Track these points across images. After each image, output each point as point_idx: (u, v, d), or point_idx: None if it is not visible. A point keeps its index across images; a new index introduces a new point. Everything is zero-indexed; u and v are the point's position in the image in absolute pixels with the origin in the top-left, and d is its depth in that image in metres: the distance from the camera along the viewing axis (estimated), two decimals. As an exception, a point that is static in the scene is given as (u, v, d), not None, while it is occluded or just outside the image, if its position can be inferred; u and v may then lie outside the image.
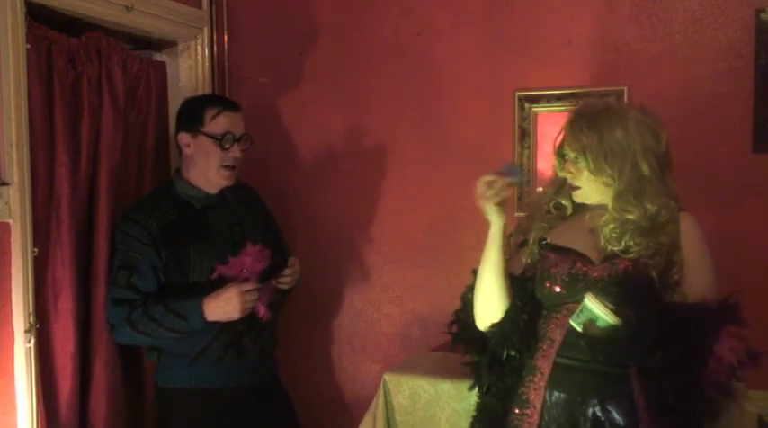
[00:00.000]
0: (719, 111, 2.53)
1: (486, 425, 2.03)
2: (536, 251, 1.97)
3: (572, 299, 1.83)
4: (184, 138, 2.39)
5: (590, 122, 1.85)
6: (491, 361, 2.00)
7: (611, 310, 1.70)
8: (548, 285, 1.90)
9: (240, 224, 2.46)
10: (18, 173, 2.14)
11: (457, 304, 2.10)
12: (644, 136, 1.84)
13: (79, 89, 2.41)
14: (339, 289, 3.05)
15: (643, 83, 2.57)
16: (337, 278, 3.04)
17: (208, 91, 2.98)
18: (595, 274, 1.84)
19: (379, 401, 2.49)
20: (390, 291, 2.98)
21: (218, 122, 2.36)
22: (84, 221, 2.43)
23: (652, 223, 1.84)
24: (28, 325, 2.18)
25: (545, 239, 1.97)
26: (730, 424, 1.94)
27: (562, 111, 2.57)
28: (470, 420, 2.09)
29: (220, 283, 2.28)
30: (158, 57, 2.93)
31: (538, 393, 1.87)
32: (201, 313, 2.25)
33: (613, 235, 1.84)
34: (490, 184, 1.85)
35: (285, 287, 2.41)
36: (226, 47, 3.08)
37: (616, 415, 1.78)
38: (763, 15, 2.46)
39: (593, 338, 1.76)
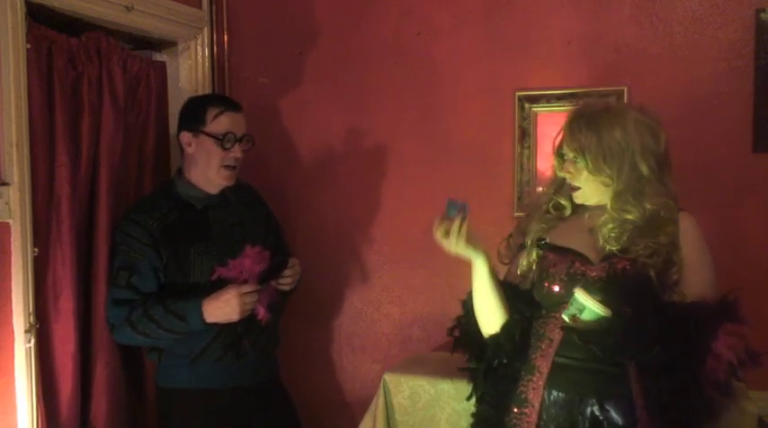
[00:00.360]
0: (719, 111, 2.52)
1: None
2: (534, 251, 1.97)
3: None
4: (186, 137, 2.40)
5: (589, 122, 1.86)
6: (486, 369, 2.01)
7: (600, 302, 1.70)
8: (546, 285, 1.91)
9: (241, 224, 2.46)
10: (18, 173, 2.14)
11: (457, 304, 2.10)
12: (643, 136, 1.84)
13: (79, 89, 2.41)
14: (339, 289, 3.05)
15: (643, 83, 2.57)
16: (337, 278, 3.04)
17: (208, 91, 2.98)
18: (594, 274, 1.84)
19: (379, 401, 2.49)
20: (390, 291, 2.98)
21: (220, 122, 2.36)
22: (84, 221, 2.43)
23: (651, 223, 1.84)
24: (28, 325, 2.18)
25: (544, 239, 1.97)
26: (730, 424, 1.94)
27: (562, 111, 2.57)
28: (468, 426, 2.10)
29: (220, 284, 2.28)
30: (158, 57, 2.93)
31: (536, 392, 1.87)
32: (201, 314, 2.25)
33: (612, 234, 1.84)
34: (446, 233, 1.87)
35: (286, 288, 2.41)
36: (226, 47, 3.08)
37: (614, 415, 1.78)
38: (763, 15, 2.46)
39: (586, 332, 1.75)
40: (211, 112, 2.36)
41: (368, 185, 2.98)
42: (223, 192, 2.45)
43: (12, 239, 2.15)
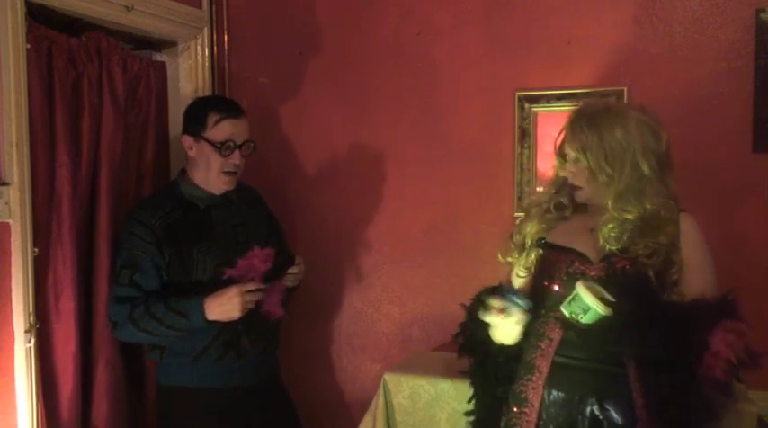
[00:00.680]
0: (719, 111, 2.52)
1: None
2: (534, 251, 1.98)
3: (557, 308, 1.83)
4: (188, 140, 2.40)
5: (590, 122, 1.86)
6: (488, 371, 2.02)
7: (602, 299, 1.70)
8: (546, 284, 1.91)
9: (243, 225, 2.47)
10: (18, 173, 2.14)
11: (457, 304, 2.10)
12: (644, 135, 1.85)
13: (79, 89, 2.41)
14: (339, 289, 3.05)
15: (643, 83, 2.57)
16: (337, 278, 3.04)
17: (208, 91, 2.98)
18: (593, 273, 1.84)
19: (379, 401, 2.49)
20: (390, 291, 2.98)
21: (220, 129, 2.36)
22: (84, 221, 2.43)
23: (651, 223, 1.84)
24: (28, 325, 2.18)
25: (544, 239, 1.97)
26: (730, 424, 1.94)
27: (562, 111, 2.57)
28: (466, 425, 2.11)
29: (222, 283, 2.28)
30: (158, 57, 2.93)
31: (536, 392, 1.87)
32: (202, 312, 2.25)
33: (612, 234, 1.84)
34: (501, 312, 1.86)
35: (290, 284, 2.41)
36: (226, 47, 3.08)
37: (614, 414, 1.79)
38: (763, 15, 2.46)
39: (585, 329, 1.75)
40: (212, 118, 2.36)
41: (368, 185, 2.98)
42: (226, 193, 2.45)
43: (12, 239, 2.15)
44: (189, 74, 2.95)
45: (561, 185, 2.00)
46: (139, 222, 2.33)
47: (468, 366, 2.10)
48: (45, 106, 2.28)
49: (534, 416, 1.87)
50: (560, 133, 1.96)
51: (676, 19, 2.57)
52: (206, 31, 2.99)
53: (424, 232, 2.91)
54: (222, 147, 2.35)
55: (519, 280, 2.03)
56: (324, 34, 3.00)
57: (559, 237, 1.96)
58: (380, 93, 2.94)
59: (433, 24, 2.85)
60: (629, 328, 1.72)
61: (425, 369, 2.55)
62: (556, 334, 1.87)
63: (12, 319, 2.16)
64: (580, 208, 2.00)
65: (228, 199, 2.46)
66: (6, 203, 2.12)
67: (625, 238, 1.83)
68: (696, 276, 1.83)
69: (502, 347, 1.97)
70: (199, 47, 2.97)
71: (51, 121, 2.30)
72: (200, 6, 2.97)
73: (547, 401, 1.86)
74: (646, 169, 1.84)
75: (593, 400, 1.81)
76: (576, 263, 1.88)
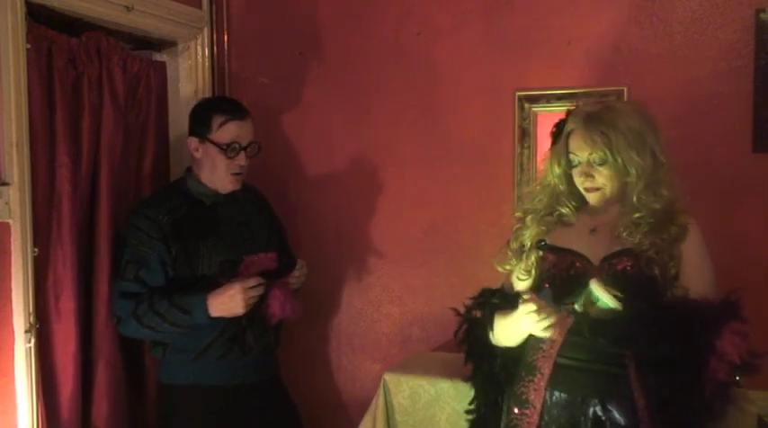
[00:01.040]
0: (719, 111, 2.52)
1: None
2: (534, 254, 1.97)
3: (570, 300, 1.82)
4: (193, 142, 2.41)
5: (603, 120, 1.85)
6: (491, 374, 2.02)
7: (614, 296, 1.70)
8: (546, 286, 1.90)
9: (248, 223, 2.49)
10: (18, 173, 2.14)
11: (457, 304, 2.10)
12: (650, 124, 1.87)
13: (79, 89, 2.41)
14: (339, 290, 3.05)
15: (643, 83, 2.57)
16: (337, 278, 3.04)
17: (208, 91, 2.98)
18: (595, 274, 1.84)
19: (379, 401, 2.49)
20: (390, 291, 2.98)
21: (225, 131, 2.36)
22: (84, 221, 2.44)
23: (665, 216, 1.83)
24: (28, 325, 2.18)
25: (543, 241, 1.96)
26: (730, 425, 1.94)
27: (562, 111, 2.56)
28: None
29: (226, 280, 2.30)
30: (158, 57, 2.93)
31: (538, 393, 1.87)
32: (205, 308, 2.26)
33: (630, 229, 1.83)
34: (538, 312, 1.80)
35: (294, 288, 2.43)
36: (226, 47, 3.08)
37: (617, 415, 1.78)
38: (763, 15, 2.46)
39: (595, 324, 1.74)
40: (217, 120, 2.37)
41: (368, 185, 2.98)
42: (232, 191, 2.46)
43: (12, 239, 2.15)
44: (189, 74, 2.95)
45: (559, 194, 1.98)
46: (147, 217, 2.34)
47: (468, 369, 2.10)
48: (45, 106, 2.28)
49: (536, 418, 1.86)
50: (556, 139, 1.96)
51: (676, 19, 2.57)
52: (206, 31, 2.99)
53: (424, 232, 2.91)
54: (228, 149, 2.36)
55: (519, 283, 2.02)
56: (324, 34, 3.00)
57: (559, 239, 1.95)
58: (380, 93, 2.93)
59: (433, 24, 2.85)
60: (634, 328, 1.72)
61: (425, 369, 2.55)
62: (557, 336, 1.86)
63: (12, 319, 2.16)
64: (580, 209, 1.99)
65: (234, 197, 2.48)
66: (6, 203, 2.12)
67: (646, 230, 1.82)
68: (698, 277, 1.83)
69: (503, 348, 1.97)
70: (199, 47, 2.97)
71: (51, 121, 2.30)
72: (200, 6, 2.97)
73: (549, 402, 1.86)
74: (663, 158, 1.85)
75: (596, 401, 1.81)
76: (577, 265, 1.88)
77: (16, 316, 2.16)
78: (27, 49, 2.18)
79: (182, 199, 2.41)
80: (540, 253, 1.95)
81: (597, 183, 1.89)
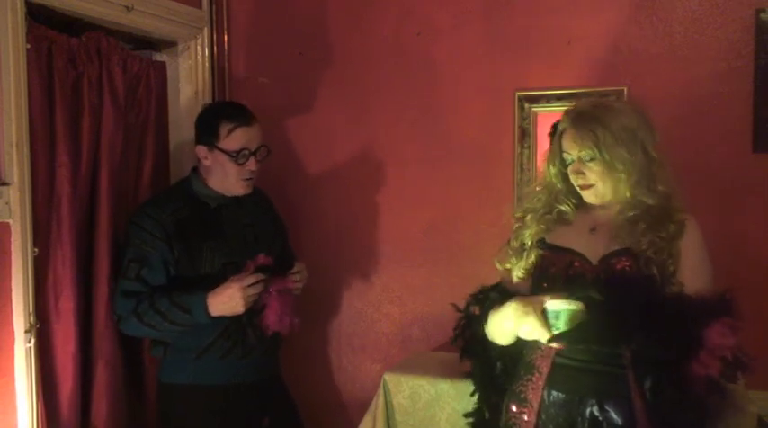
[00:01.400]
0: (719, 111, 2.52)
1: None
2: (534, 253, 1.97)
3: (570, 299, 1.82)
4: (202, 151, 2.40)
5: (591, 117, 1.86)
6: (491, 372, 2.03)
7: (567, 298, 1.71)
8: (545, 285, 1.90)
9: (252, 225, 2.49)
10: (18, 173, 2.14)
11: (457, 304, 2.10)
12: (643, 121, 1.87)
13: (79, 89, 2.41)
14: (339, 289, 3.05)
15: (643, 83, 2.57)
16: (337, 278, 3.04)
17: (208, 91, 2.98)
18: (592, 274, 1.84)
19: (379, 401, 2.49)
20: (390, 291, 2.98)
21: (233, 138, 2.36)
22: (84, 221, 2.43)
23: (661, 214, 1.83)
24: (28, 325, 2.18)
25: (543, 240, 1.97)
26: (730, 425, 1.93)
27: (562, 111, 2.56)
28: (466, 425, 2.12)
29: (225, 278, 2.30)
30: (158, 57, 2.93)
31: (536, 392, 1.87)
32: (205, 307, 2.26)
33: (627, 228, 1.84)
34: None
35: (296, 292, 2.43)
36: (226, 47, 3.08)
37: (614, 415, 1.78)
38: (763, 15, 2.46)
39: (571, 334, 1.73)
40: (225, 128, 2.36)
41: (368, 185, 2.98)
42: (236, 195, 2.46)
43: (12, 239, 2.15)
44: (189, 74, 2.95)
45: (557, 192, 1.98)
46: (151, 217, 2.34)
47: (468, 367, 2.10)
48: (45, 106, 2.28)
49: (533, 417, 1.86)
50: (552, 139, 1.96)
51: (676, 19, 2.57)
52: (206, 31, 2.99)
53: (424, 232, 2.91)
54: (238, 156, 2.36)
55: (518, 281, 2.02)
56: (324, 34, 3.00)
57: (559, 238, 1.95)
58: (380, 93, 2.94)
59: (433, 24, 2.85)
60: (626, 326, 1.72)
61: (425, 369, 2.55)
62: (544, 365, 1.87)
63: (12, 319, 2.16)
64: (579, 208, 1.99)
65: (239, 199, 2.48)
66: (6, 203, 2.12)
67: (642, 230, 1.82)
68: (693, 273, 1.81)
69: (501, 349, 1.97)
70: (199, 47, 2.97)
71: (51, 121, 2.30)
72: (200, 6, 2.96)
73: (546, 402, 1.86)
74: (654, 152, 1.85)
75: (593, 401, 1.80)
76: (576, 264, 1.88)
77: (16, 316, 2.16)
78: (27, 49, 2.18)
79: (186, 199, 2.41)
80: (540, 252, 1.95)
81: (589, 180, 1.89)
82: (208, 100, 2.94)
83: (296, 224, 2.97)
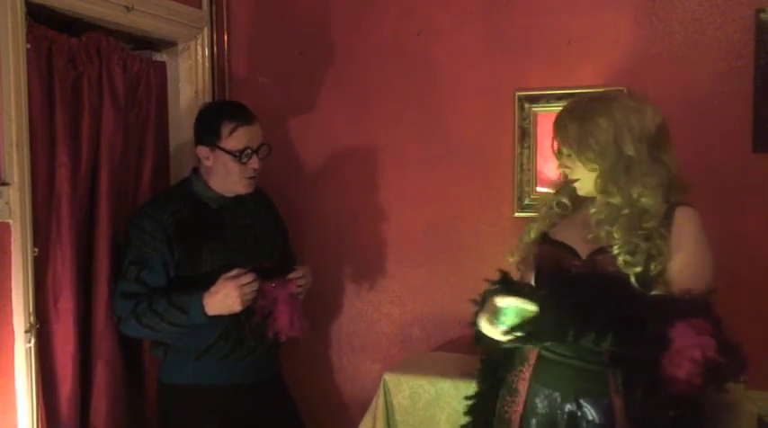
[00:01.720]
0: (719, 111, 2.52)
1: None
2: (534, 248, 1.99)
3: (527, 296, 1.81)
4: (203, 151, 2.40)
5: (571, 114, 1.89)
6: (497, 364, 2.03)
7: (509, 294, 1.72)
8: (541, 280, 1.93)
9: (253, 226, 2.49)
10: (18, 173, 2.14)
11: (457, 304, 2.11)
12: (629, 119, 1.84)
13: (79, 89, 2.41)
14: (339, 289, 3.05)
15: (643, 83, 2.56)
16: (337, 278, 3.04)
17: (208, 91, 2.98)
18: (576, 269, 1.85)
19: (379, 401, 2.49)
20: (390, 291, 2.98)
21: (235, 138, 2.36)
22: (84, 221, 2.43)
23: (637, 208, 1.81)
24: (28, 325, 2.18)
25: (546, 234, 2.00)
26: (729, 425, 1.94)
27: (562, 110, 2.57)
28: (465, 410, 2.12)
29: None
30: (158, 57, 2.93)
31: (524, 383, 1.91)
32: (202, 307, 2.26)
33: (600, 217, 1.84)
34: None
35: (300, 297, 2.43)
36: (226, 47, 3.08)
37: (593, 413, 1.79)
38: (763, 15, 2.46)
39: (523, 329, 1.73)
40: (226, 128, 2.35)
41: (368, 185, 2.98)
42: (238, 194, 2.46)
43: (12, 239, 2.15)
44: (189, 74, 2.95)
45: (563, 184, 2.01)
46: (151, 218, 2.34)
47: (469, 368, 2.11)
48: (45, 106, 2.28)
49: (521, 407, 1.90)
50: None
51: (676, 19, 2.57)
52: (206, 31, 2.99)
53: (424, 232, 2.91)
54: (241, 156, 2.35)
55: (518, 274, 2.05)
56: (324, 34, 3.00)
57: (558, 233, 1.98)
58: (380, 93, 2.94)
59: (433, 24, 2.85)
60: (582, 324, 1.70)
61: (425, 369, 2.55)
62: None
63: (12, 319, 2.16)
64: (582, 203, 2.00)
65: (240, 200, 2.47)
66: (6, 203, 2.12)
67: (614, 230, 1.80)
68: (687, 272, 1.77)
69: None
70: (199, 47, 2.97)
71: (51, 121, 2.30)
72: (200, 6, 2.96)
73: (532, 393, 1.89)
74: (631, 151, 1.82)
75: (572, 397, 1.82)
76: (564, 258, 1.89)
77: (16, 316, 2.16)
78: (27, 49, 2.18)
79: (187, 200, 2.41)
80: (540, 246, 1.98)
81: (573, 175, 1.92)
82: (208, 100, 2.93)
83: (296, 224, 2.97)
